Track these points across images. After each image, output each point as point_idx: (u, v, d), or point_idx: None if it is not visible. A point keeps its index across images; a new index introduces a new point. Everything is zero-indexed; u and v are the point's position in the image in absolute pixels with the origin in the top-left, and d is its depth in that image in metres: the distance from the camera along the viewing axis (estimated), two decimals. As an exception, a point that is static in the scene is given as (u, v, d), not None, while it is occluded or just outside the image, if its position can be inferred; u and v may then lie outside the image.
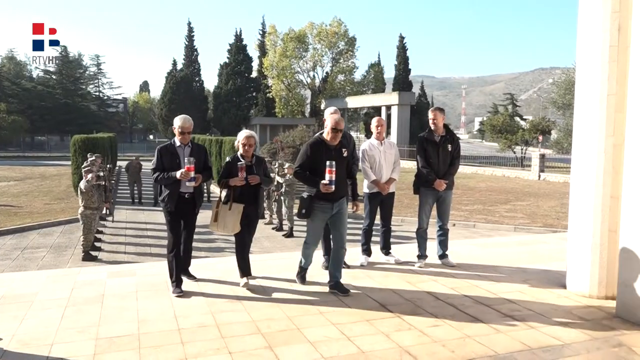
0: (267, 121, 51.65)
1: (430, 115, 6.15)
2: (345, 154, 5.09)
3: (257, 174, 5.25)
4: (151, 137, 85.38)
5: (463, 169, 30.43)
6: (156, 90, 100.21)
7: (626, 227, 4.49)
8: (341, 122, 5.05)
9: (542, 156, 29.48)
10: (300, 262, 5.46)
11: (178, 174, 4.92)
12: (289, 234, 12.93)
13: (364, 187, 6.34)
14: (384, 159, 6.28)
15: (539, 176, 28.05)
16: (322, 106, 49.71)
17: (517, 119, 46.70)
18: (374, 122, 6.48)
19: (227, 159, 5.37)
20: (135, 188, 19.39)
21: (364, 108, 52.62)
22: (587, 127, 5.01)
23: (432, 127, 6.15)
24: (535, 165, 28.70)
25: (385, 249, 6.50)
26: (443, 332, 4.18)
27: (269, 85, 53.05)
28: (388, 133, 39.67)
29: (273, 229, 13.92)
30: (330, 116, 5.06)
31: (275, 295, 5.05)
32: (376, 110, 46.11)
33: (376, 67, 56.83)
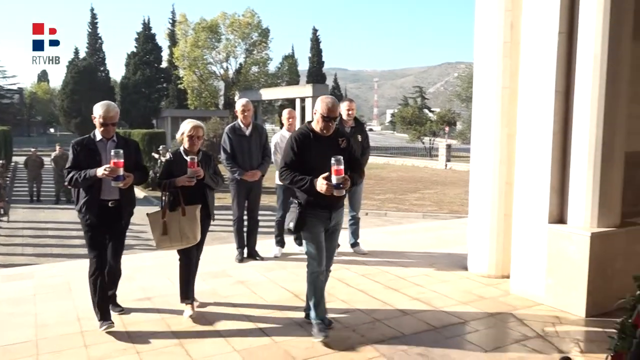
0: (179, 113, 49.99)
1: (345, 106, 6.22)
2: (343, 145, 3.90)
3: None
4: (52, 130, 79.88)
5: (375, 160, 31.35)
6: (56, 80, 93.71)
7: (518, 211, 4.85)
8: (336, 108, 3.82)
9: (449, 146, 31.10)
10: (307, 307, 4.06)
11: (100, 171, 3.80)
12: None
13: (276, 179, 6.35)
14: (296, 150, 6.31)
15: (446, 165, 29.58)
16: (236, 98, 49.03)
17: (426, 111, 48.88)
18: (285, 114, 6.51)
19: (168, 155, 4.51)
20: (35, 185, 18.10)
21: (278, 100, 52.50)
22: (484, 119, 5.33)
23: (344, 117, 6.23)
24: (442, 155, 30.24)
25: (299, 239, 6.56)
26: (354, 318, 4.30)
27: (181, 76, 51.42)
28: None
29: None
30: (321, 101, 3.83)
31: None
32: (290, 103, 46.18)
33: (290, 60, 56.88)
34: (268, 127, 55.24)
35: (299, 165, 3.80)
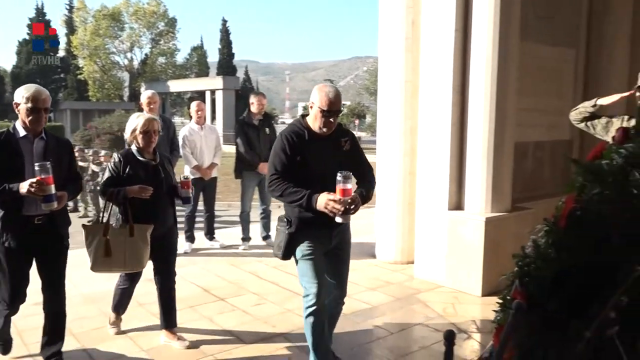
0: (79, 106, 47.11)
1: (255, 99, 6.20)
2: (346, 147, 3.08)
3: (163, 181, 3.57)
4: None
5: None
6: None
7: (420, 200, 5.11)
8: (338, 99, 2.99)
9: (359, 138, 31.87)
10: (309, 348, 3.12)
11: (24, 188, 2.83)
12: (108, 227, 12.15)
13: (185, 171, 6.21)
14: (205, 144, 6.22)
15: (356, 157, 30.36)
16: (142, 90, 47.07)
17: (337, 104, 49.72)
18: (194, 106, 6.39)
19: (115, 156, 3.63)
20: None
21: (187, 92, 51.08)
22: (388, 112, 5.55)
23: (254, 111, 6.20)
24: (353, 147, 30.96)
25: (209, 234, 6.47)
26: (266, 309, 4.33)
27: (80, 66, 48.41)
28: (213, 118, 39.15)
29: (89, 222, 12.87)
30: (319, 90, 2.99)
31: (91, 289, 4.70)
32: (200, 95, 45.09)
33: (199, 51, 55.49)
34: (177, 120, 53.54)
35: (293, 173, 2.95)
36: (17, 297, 3.13)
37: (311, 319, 2.98)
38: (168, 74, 50.68)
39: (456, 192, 4.92)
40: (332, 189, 2.80)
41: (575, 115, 3.78)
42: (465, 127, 4.81)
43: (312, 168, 2.95)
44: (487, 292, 4.59)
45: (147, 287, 4.90)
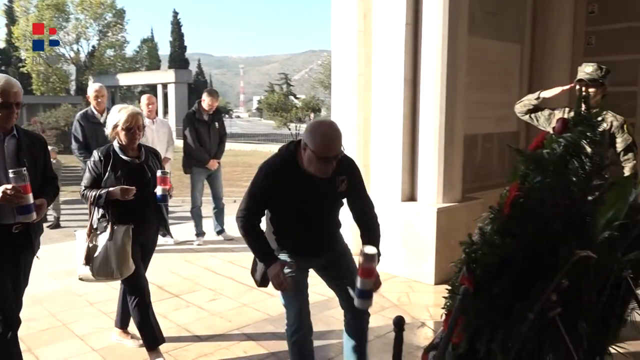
0: (23, 100, 45.09)
1: (207, 98, 6.14)
2: (342, 188, 2.63)
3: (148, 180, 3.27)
4: None
5: (243, 147, 31.19)
6: None
7: (375, 191, 5.18)
8: (336, 143, 2.45)
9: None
10: None
11: None
12: (56, 225, 11.72)
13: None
14: (157, 138, 6.09)
15: (312, 151, 30.39)
16: (90, 83, 45.52)
17: (292, 97, 49.61)
18: (144, 99, 6.25)
19: (95, 154, 3.23)
20: None
21: (138, 86, 49.74)
22: (342, 105, 5.58)
23: (205, 107, 6.13)
24: (308, 141, 30.98)
25: (163, 230, 6.34)
26: (221, 304, 4.30)
27: (22, 58, 46.28)
28: (166, 112, 38.34)
29: (48, 226, 12.39)
30: (314, 132, 2.45)
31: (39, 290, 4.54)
32: (152, 89, 44.03)
33: (149, 43, 54.11)
34: (128, 114, 52.05)
35: (271, 209, 2.66)
36: (10, 316, 2.68)
37: (298, 347, 2.67)
38: (117, 67, 49.18)
39: (409, 184, 5.01)
40: (317, 233, 2.62)
41: (520, 107, 3.92)
42: (417, 120, 4.91)
43: (296, 209, 2.57)
44: (440, 281, 4.71)
45: (97, 286, 4.76)
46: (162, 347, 3.48)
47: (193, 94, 44.44)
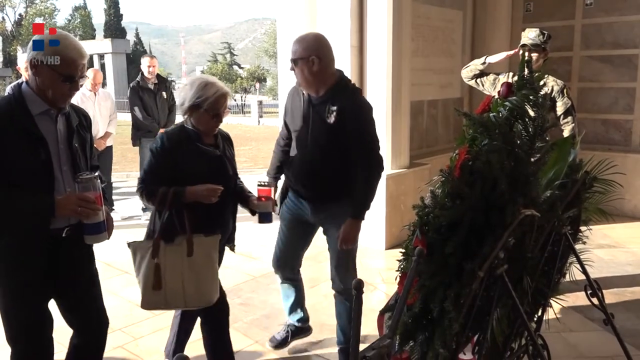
0: (-56, 73, 42.03)
1: (146, 61, 5.92)
2: (331, 120, 2.54)
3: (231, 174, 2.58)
4: None
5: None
6: None
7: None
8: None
9: (260, 102, 31.55)
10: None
11: (68, 207, 1.90)
12: None
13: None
14: (99, 112, 5.86)
15: (259, 121, 30.05)
16: (19, 54, 42.83)
17: (236, 67, 48.68)
18: (90, 73, 5.98)
19: (163, 139, 2.39)
20: None
21: (72, 57, 47.28)
22: (290, 74, 5.51)
23: (148, 75, 5.93)
24: (255, 111, 30.60)
25: (108, 205, 6.17)
26: (174, 279, 4.25)
27: (-59, 28, 42.98)
28: (104, 84, 36.76)
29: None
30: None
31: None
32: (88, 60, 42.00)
33: (82, 11, 51.36)
34: (62, 87, 49.62)
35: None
36: (38, 347, 2.10)
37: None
38: (48, 37, 46.52)
39: (358, 151, 5.06)
40: (306, 166, 2.62)
41: (466, 72, 4.01)
42: (365, 87, 4.92)
43: (294, 131, 2.70)
44: (390, 246, 4.83)
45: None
46: (115, 324, 3.43)
47: (132, 64, 42.77)
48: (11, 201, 1.85)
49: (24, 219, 1.90)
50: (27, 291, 1.99)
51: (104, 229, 1.98)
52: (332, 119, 2.50)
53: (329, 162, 2.58)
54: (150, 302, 2.38)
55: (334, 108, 2.49)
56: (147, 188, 2.40)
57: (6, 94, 5.34)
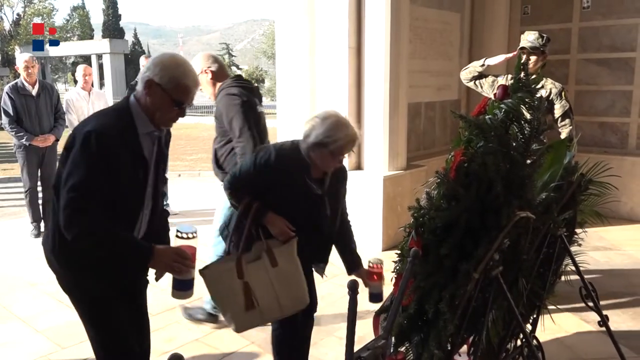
0: (-59, 72, 41.92)
1: (145, 62, 5.93)
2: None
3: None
4: None
5: (185, 119, 30.38)
6: None
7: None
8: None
9: (258, 104, 31.57)
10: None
11: (164, 259, 1.81)
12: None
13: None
14: (93, 111, 5.83)
15: (257, 122, 30.09)
16: (17, 54, 42.73)
17: (234, 68, 48.66)
18: (80, 70, 5.99)
19: (271, 154, 2.29)
20: None
21: (70, 57, 47.22)
22: (288, 75, 5.52)
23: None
24: (253, 112, 30.61)
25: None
26: (169, 278, 4.24)
27: (-61, 27, 42.85)
28: (102, 84, 36.71)
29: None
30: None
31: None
32: (86, 60, 41.96)
33: (81, 11, 51.31)
34: (60, 87, 49.53)
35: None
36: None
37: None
38: (46, 37, 46.40)
39: (355, 153, 5.05)
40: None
41: (465, 74, 4.02)
42: (362, 89, 4.94)
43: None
44: (387, 247, 4.83)
45: (37, 266, 4.61)
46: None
47: (130, 64, 42.74)
48: (119, 243, 1.77)
49: (123, 261, 1.85)
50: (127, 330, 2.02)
51: (192, 286, 1.87)
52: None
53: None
54: (245, 323, 2.24)
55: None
56: (236, 194, 2.31)
57: (4, 93, 5.35)
